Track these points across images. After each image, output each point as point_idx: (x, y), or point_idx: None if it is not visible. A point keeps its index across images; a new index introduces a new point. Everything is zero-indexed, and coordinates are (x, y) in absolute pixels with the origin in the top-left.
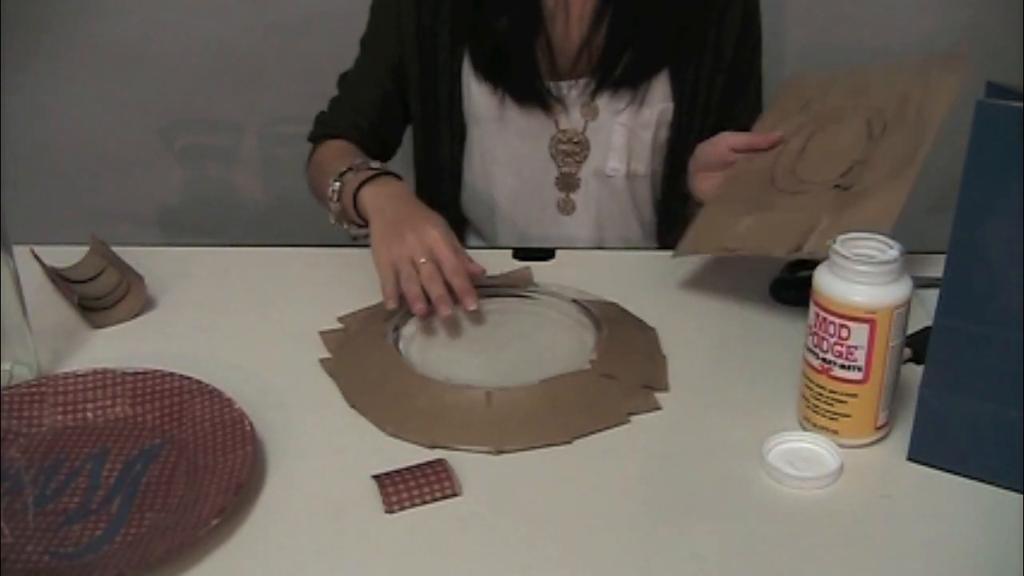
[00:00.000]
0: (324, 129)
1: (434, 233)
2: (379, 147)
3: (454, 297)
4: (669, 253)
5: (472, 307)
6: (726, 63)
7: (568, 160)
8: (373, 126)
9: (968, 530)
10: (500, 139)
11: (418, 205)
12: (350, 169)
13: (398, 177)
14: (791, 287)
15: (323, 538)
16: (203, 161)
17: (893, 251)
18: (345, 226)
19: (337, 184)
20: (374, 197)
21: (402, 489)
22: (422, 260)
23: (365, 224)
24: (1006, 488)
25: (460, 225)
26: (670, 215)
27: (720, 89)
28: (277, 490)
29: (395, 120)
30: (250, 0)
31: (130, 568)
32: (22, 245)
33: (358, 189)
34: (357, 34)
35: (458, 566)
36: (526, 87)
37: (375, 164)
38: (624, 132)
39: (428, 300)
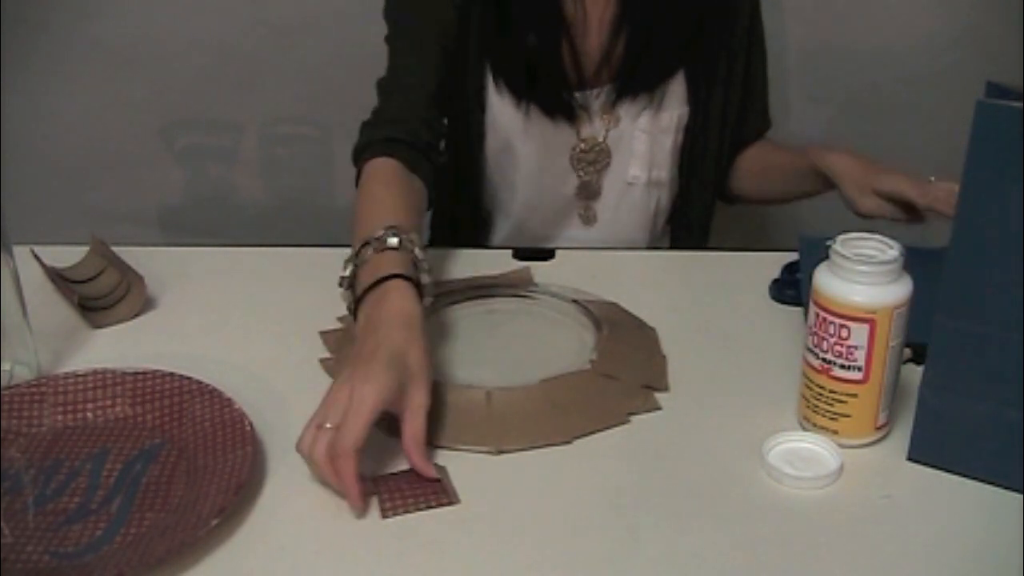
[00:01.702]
0: (373, 134)
1: (365, 393)
2: (436, 138)
3: None
4: (669, 253)
5: (357, 505)
6: (738, 68)
7: (589, 169)
8: (430, 115)
9: (968, 530)
10: (522, 151)
11: (386, 340)
12: (365, 244)
13: (408, 280)
14: (791, 287)
15: (323, 538)
16: (203, 161)
17: (893, 251)
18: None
19: (351, 267)
20: (360, 323)
21: (397, 497)
22: (327, 425)
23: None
24: (1006, 488)
25: (483, 227)
26: (682, 220)
27: (736, 96)
28: (277, 490)
29: (447, 101)
30: (250, 0)
31: (130, 568)
32: (22, 245)
33: (361, 298)
34: (357, 34)
35: (457, 567)
36: (554, 99)
37: (394, 240)
38: (645, 139)
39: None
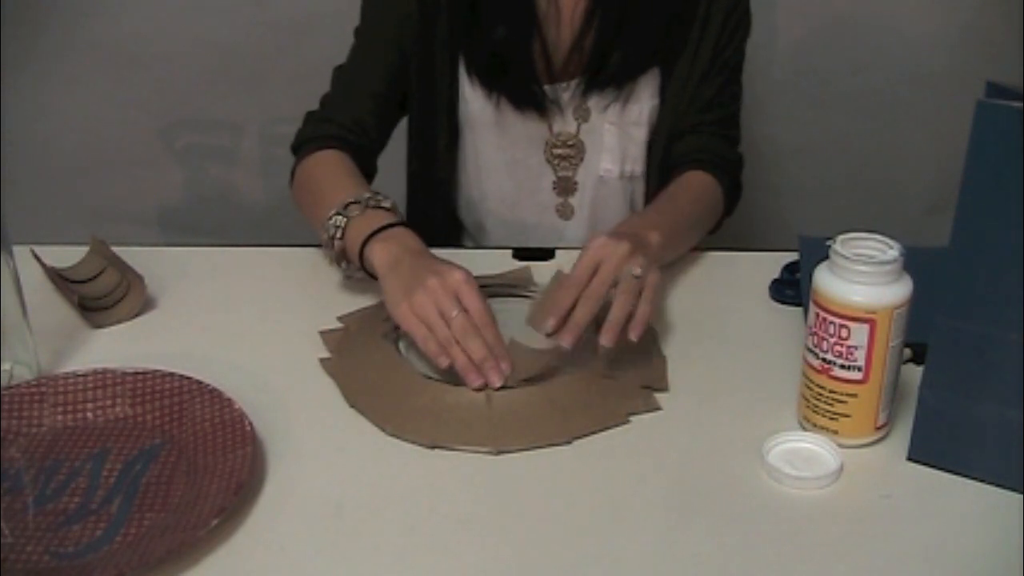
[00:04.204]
0: (318, 129)
1: (458, 275)
2: (375, 145)
3: None
4: None
5: (506, 372)
6: (704, 60)
7: (564, 164)
8: (376, 119)
9: (968, 530)
10: (495, 144)
11: (437, 258)
12: (355, 202)
13: (408, 227)
14: (791, 287)
15: (323, 538)
16: (203, 161)
17: (893, 251)
18: (343, 265)
19: (340, 219)
20: (387, 251)
21: None
22: (453, 313)
23: (364, 270)
24: (1006, 488)
25: (456, 231)
26: None
27: (686, 96)
28: (277, 490)
29: (393, 114)
30: (250, 0)
31: (130, 568)
32: (22, 245)
33: (368, 239)
34: None
35: (458, 566)
36: (523, 91)
37: (387, 203)
38: (615, 132)
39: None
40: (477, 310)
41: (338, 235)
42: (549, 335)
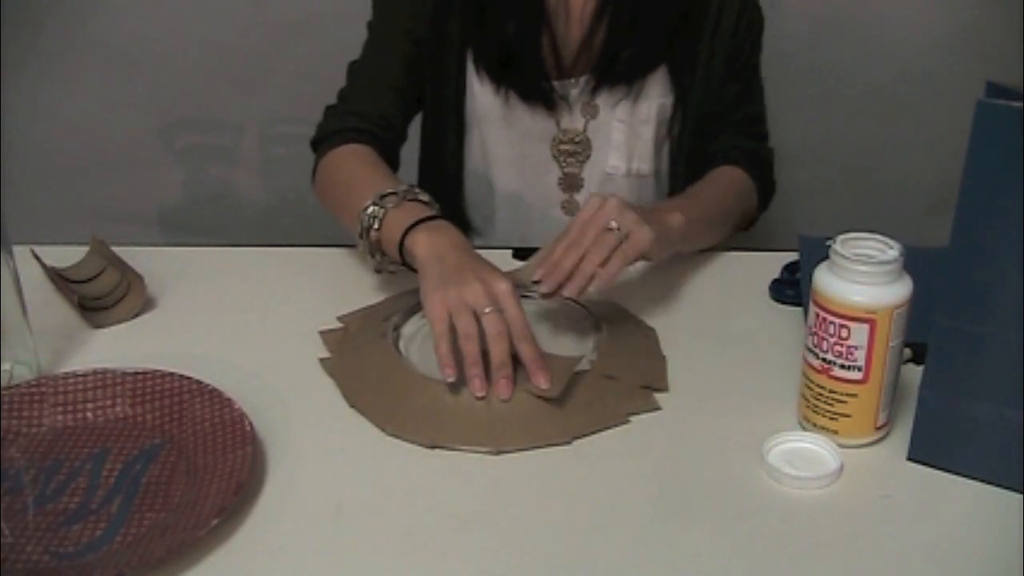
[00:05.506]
0: (343, 123)
1: (504, 286)
2: (398, 139)
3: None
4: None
5: (545, 386)
6: (721, 60)
7: (571, 160)
8: (399, 112)
9: (968, 530)
10: (503, 139)
11: (482, 259)
12: (392, 194)
13: (448, 221)
14: (791, 287)
15: (323, 538)
16: (203, 161)
17: (893, 251)
18: (376, 258)
19: (377, 210)
20: (431, 242)
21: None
22: (487, 309)
23: (403, 263)
24: (1006, 488)
25: (462, 228)
26: None
27: (715, 86)
28: (277, 490)
29: (413, 107)
30: (250, 0)
31: (130, 568)
32: (22, 245)
33: (410, 228)
34: (357, 34)
35: (457, 567)
36: (532, 86)
37: (424, 196)
38: (623, 129)
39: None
40: (516, 319)
41: (375, 225)
42: (535, 283)
